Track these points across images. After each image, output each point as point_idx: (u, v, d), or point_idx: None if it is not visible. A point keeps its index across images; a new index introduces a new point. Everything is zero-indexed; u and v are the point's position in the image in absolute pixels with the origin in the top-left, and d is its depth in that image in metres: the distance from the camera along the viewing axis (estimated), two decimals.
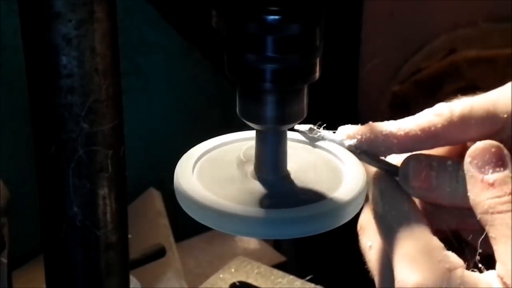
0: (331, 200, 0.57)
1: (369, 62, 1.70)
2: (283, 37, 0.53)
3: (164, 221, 1.80)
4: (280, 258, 1.84)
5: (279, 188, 0.58)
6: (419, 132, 0.61)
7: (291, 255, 1.89)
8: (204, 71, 1.99)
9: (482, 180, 0.56)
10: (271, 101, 0.56)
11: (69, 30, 0.56)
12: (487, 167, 0.57)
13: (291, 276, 1.03)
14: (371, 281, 0.63)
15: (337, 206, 0.56)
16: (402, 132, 0.61)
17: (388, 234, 0.58)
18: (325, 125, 0.63)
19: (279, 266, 1.37)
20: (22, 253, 1.71)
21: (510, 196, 0.55)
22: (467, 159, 0.57)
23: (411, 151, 0.61)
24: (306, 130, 0.62)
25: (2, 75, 1.66)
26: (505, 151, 0.57)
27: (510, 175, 0.57)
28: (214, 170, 0.60)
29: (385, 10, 1.70)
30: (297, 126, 0.61)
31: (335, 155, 0.62)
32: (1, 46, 1.66)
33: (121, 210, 0.63)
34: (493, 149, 0.57)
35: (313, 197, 0.57)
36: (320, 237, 0.59)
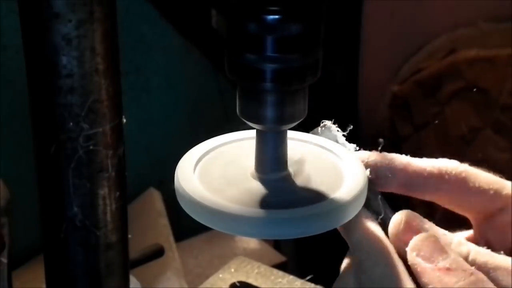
0: (331, 200, 0.56)
1: (369, 62, 1.70)
2: (283, 37, 0.53)
3: (164, 221, 1.80)
4: (280, 258, 1.84)
5: (279, 188, 0.58)
6: (425, 167, 0.62)
7: (291, 255, 1.89)
8: (204, 70, 1.99)
9: (439, 269, 0.56)
10: (271, 101, 0.56)
11: (69, 30, 0.56)
12: (435, 255, 0.57)
13: (291, 276, 1.03)
14: None
15: (338, 206, 0.56)
16: (407, 161, 0.62)
17: None
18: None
19: (279, 266, 1.37)
20: (22, 253, 1.71)
21: (476, 275, 0.55)
22: (412, 253, 0.57)
23: (412, 185, 0.62)
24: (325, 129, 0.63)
25: (2, 75, 1.66)
26: (441, 242, 0.58)
27: (458, 258, 0.57)
28: (215, 170, 0.60)
29: (385, 10, 1.70)
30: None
31: (336, 155, 0.62)
32: (1, 46, 1.66)
33: (121, 210, 0.63)
34: (432, 239, 0.58)
35: (313, 197, 0.57)
36: (320, 237, 0.59)
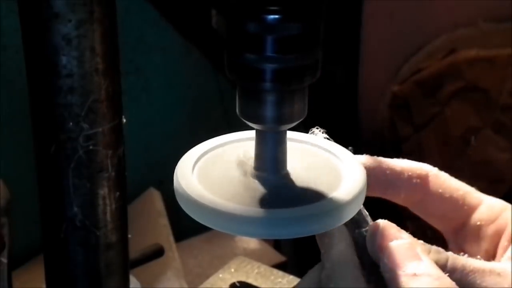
0: (331, 200, 0.57)
1: (369, 62, 1.70)
2: (283, 37, 0.53)
3: (164, 221, 1.80)
4: (280, 258, 1.84)
5: (279, 188, 0.58)
6: (398, 162, 0.64)
7: (291, 255, 1.89)
8: (204, 71, 1.99)
9: (405, 274, 0.56)
10: (270, 101, 0.56)
11: (69, 30, 0.56)
12: (405, 262, 0.56)
13: (291, 276, 1.03)
14: None
15: (337, 206, 0.56)
16: (382, 159, 0.64)
17: None
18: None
19: (279, 266, 1.37)
20: (22, 253, 1.71)
21: (441, 279, 0.55)
22: (383, 260, 0.57)
23: (387, 183, 0.64)
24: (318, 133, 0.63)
25: (2, 75, 1.66)
26: (418, 248, 0.57)
27: (432, 264, 0.56)
28: (214, 170, 0.60)
29: (385, 10, 1.70)
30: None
31: (334, 155, 0.62)
32: (1, 46, 1.66)
33: (121, 210, 0.63)
34: (405, 246, 0.57)
35: (313, 197, 0.57)
36: None
